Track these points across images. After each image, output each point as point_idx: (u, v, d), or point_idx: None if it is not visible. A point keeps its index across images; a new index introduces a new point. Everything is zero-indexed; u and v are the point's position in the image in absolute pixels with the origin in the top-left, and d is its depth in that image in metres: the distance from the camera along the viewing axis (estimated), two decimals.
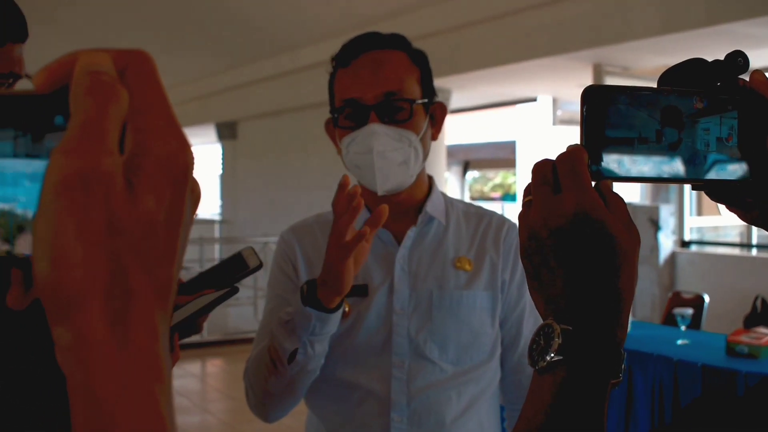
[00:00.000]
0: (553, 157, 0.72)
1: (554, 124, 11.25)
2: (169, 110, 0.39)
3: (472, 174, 18.23)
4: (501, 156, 15.14)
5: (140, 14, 8.65)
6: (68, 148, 0.36)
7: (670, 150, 0.72)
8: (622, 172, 0.71)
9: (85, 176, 0.36)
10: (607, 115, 0.71)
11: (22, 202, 0.40)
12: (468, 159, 16.30)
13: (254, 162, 12.46)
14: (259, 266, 1.18)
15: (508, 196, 18.08)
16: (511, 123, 12.91)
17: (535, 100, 10.96)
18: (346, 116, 1.54)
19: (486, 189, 19.80)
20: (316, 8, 8.33)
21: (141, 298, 0.37)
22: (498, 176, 19.44)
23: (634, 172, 0.72)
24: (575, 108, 11.08)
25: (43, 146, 0.41)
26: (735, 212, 0.78)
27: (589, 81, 7.83)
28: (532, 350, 0.70)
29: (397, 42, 1.59)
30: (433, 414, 1.54)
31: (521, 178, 13.51)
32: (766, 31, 5.91)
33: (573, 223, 0.68)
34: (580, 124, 0.72)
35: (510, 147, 13.68)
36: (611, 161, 0.71)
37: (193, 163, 0.39)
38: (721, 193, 0.77)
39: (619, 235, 0.68)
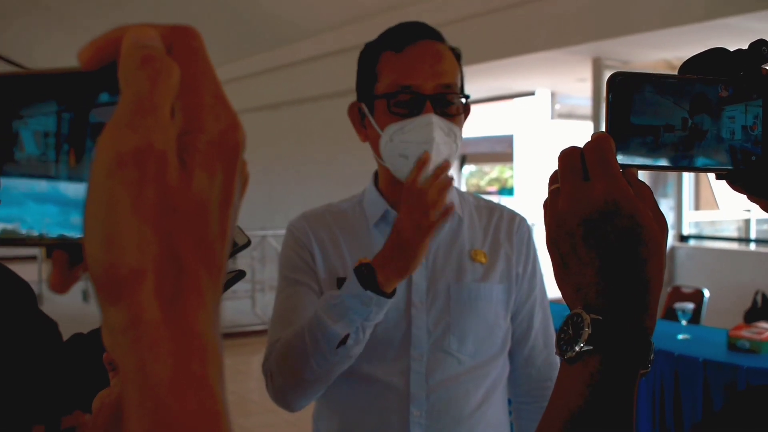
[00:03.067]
0: (580, 145, 0.71)
1: (552, 118, 11.26)
2: (218, 87, 0.38)
3: (468, 168, 18.22)
4: (498, 150, 15.13)
5: (136, 7, 8.62)
6: (121, 122, 0.35)
7: (695, 138, 0.71)
8: (647, 161, 0.71)
9: (139, 153, 0.34)
10: (632, 103, 0.70)
11: (27, 222, 0.39)
12: (465, 153, 16.29)
13: (252, 155, 12.37)
14: (248, 243, 1.14)
15: (505, 190, 18.09)
16: (509, 117, 12.90)
17: (533, 94, 10.96)
18: (398, 103, 1.47)
19: (482, 183, 19.82)
20: (315, 1, 8.30)
21: (194, 279, 0.36)
22: (494, 170, 19.45)
23: (660, 160, 0.71)
24: (574, 102, 11.12)
25: (82, 131, 0.39)
26: (757, 202, 0.77)
27: (588, 75, 7.82)
28: (560, 340, 0.69)
29: (442, 37, 1.54)
30: (451, 408, 1.54)
31: (518, 172, 13.51)
32: (766, 25, 5.89)
33: (604, 212, 0.68)
34: (605, 112, 0.71)
35: (507, 141, 13.67)
36: (637, 149, 0.71)
37: (244, 142, 0.39)
38: (743, 182, 0.76)
39: (648, 225, 0.68)
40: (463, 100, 1.52)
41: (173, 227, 0.35)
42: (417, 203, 1.35)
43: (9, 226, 0.39)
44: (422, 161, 1.37)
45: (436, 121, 1.44)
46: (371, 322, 1.40)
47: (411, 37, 1.50)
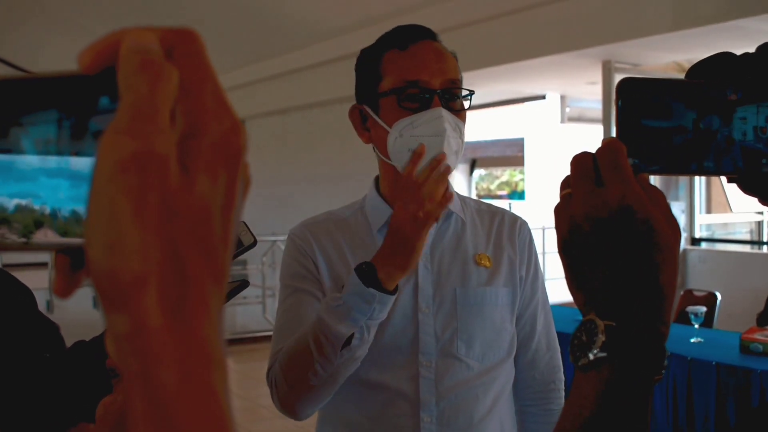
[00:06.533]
0: (592, 150, 0.70)
1: (563, 121, 11.25)
2: (219, 90, 0.38)
3: (478, 172, 18.21)
4: (509, 153, 15.13)
5: (145, 10, 8.66)
6: (120, 128, 0.35)
7: (706, 141, 0.71)
8: (659, 165, 0.70)
9: (140, 158, 0.34)
10: (642, 107, 0.70)
11: (40, 198, 0.39)
12: (475, 157, 16.29)
13: (261, 160, 12.48)
14: (254, 243, 1.12)
15: (515, 194, 18.07)
16: (520, 120, 12.90)
17: (543, 97, 10.95)
18: (407, 97, 1.48)
19: (493, 187, 19.80)
20: (324, 6, 8.31)
21: (197, 285, 0.35)
22: (505, 174, 19.43)
23: (671, 164, 0.70)
24: (584, 105, 11.11)
25: (83, 138, 0.39)
26: None
27: (598, 78, 7.81)
28: (573, 346, 0.68)
29: (440, 40, 1.56)
30: (462, 413, 1.53)
31: (529, 175, 13.50)
32: None
33: (617, 217, 0.67)
34: (615, 117, 0.71)
35: (518, 144, 13.68)
36: (648, 153, 0.70)
37: (246, 145, 0.38)
38: (755, 185, 0.75)
39: (662, 230, 0.67)
40: (467, 99, 1.53)
41: (176, 232, 0.35)
42: (413, 196, 1.35)
43: (22, 202, 0.39)
44: (418, 153, 1.36)
45: (445, 115, 1.45)
46: (375, 320, 1.40)
47: (414, 36, 1.52)
